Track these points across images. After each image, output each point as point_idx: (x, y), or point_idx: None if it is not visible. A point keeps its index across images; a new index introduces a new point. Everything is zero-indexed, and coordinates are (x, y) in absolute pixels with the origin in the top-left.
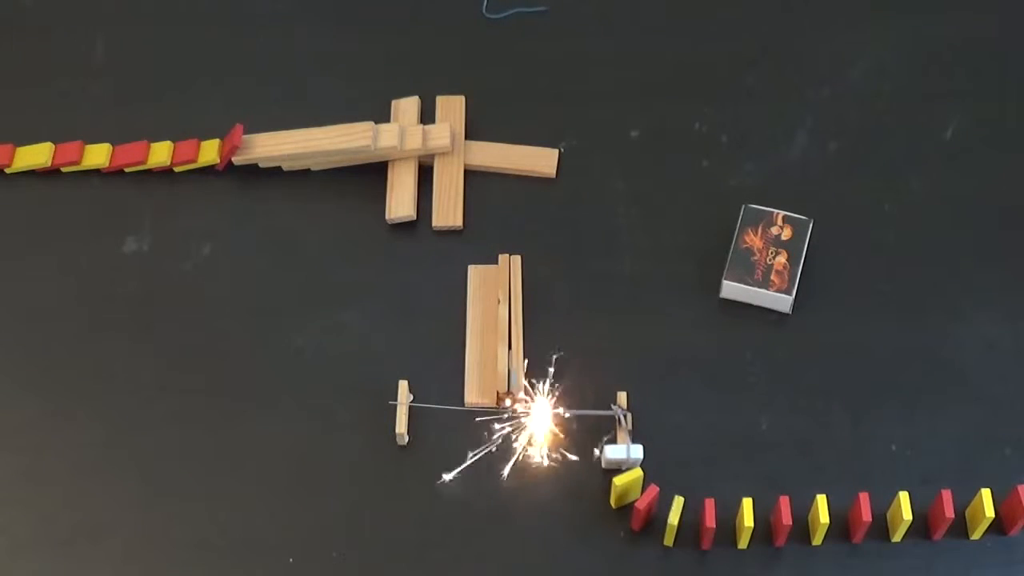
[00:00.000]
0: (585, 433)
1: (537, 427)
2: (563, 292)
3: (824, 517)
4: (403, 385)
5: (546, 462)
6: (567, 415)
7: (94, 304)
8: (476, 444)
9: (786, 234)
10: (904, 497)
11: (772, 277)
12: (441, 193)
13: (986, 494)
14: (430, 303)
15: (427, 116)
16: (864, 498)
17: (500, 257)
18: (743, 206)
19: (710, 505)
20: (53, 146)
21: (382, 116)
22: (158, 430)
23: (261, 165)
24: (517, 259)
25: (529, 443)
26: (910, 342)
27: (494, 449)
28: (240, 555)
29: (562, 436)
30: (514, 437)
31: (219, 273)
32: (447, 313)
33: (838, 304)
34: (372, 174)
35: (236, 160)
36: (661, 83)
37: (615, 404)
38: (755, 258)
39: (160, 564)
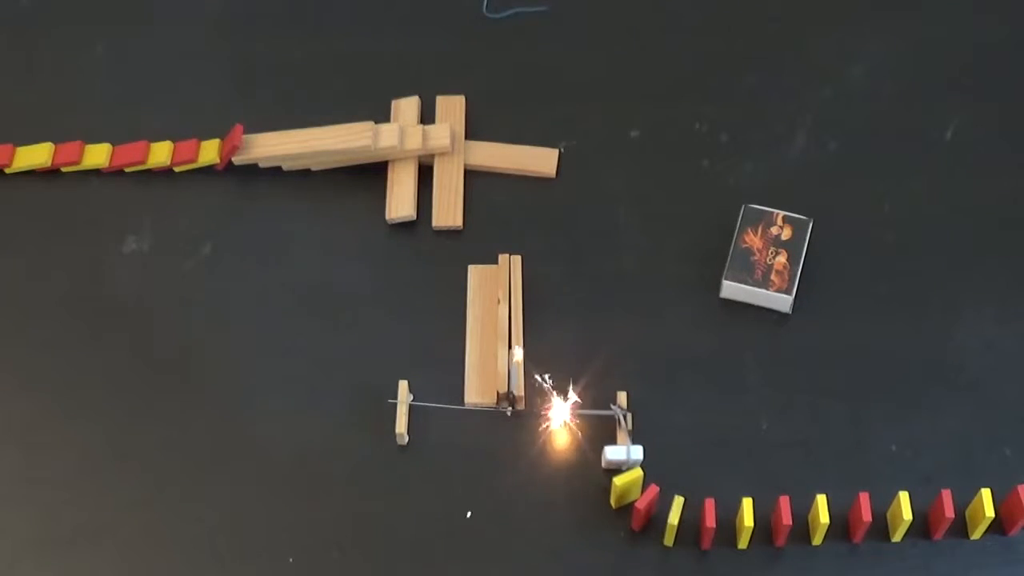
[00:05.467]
0: (585, 433)
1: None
2: (563, 292)
3: (824, 517)
4: (403, 385)
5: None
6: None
7: (94, 304)
8: (476, 444)
9: (786, 234)
10: (904, 497)
11: (772, 277)
12: (441, 193)
13: (986, 494)
14: (430, 303)
15: (427, 116)
16: (864, 498)
17: (500, 257)
18: (743, 206)
19: (710, 505)
20: (53, 146)
21: (382, 116)
22: (158, 430)
23: (261, 165)
24: (517, 259)
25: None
26: (910, 342)
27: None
28: (240, 555)
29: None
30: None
31: (219, 273)
32: (447, 313)
33: (838, 304)
34: (372, 174)
35: (236, 160)
36: (661, 83)
37: (615, 404)
38: (755, 258)
39: (160, 564)
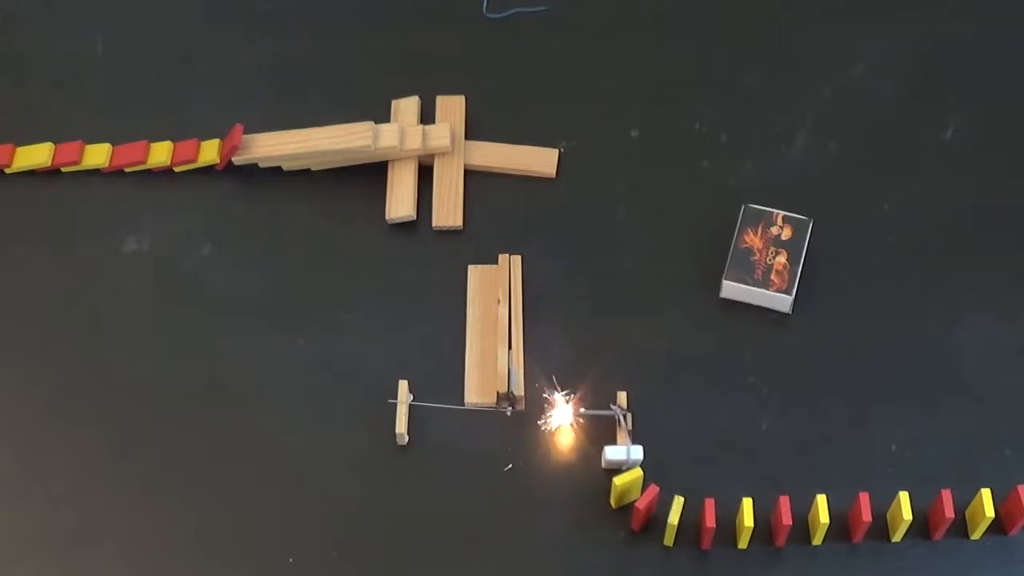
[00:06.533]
0: (585, 433)
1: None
2: (563, 292)
3: (824, 517)
4: (403, 385)
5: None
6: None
7: (94, 304)
8: (476, 444)
9: (786, 234)
10: (904, 497)
11: (772, 277)
12: (441, 193)
13: (986, 494)
14: (430, 303)
15: (427, 116)
16: (864, 498)
17: (500, 257)
18: (743, 206)
19: (710, 505)
20: (53, 146)
21: (382, 116)
22: (158, 430)
23: (261, 165)
24: (517, 259)
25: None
26: (910, 342)
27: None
28: (240, 555)
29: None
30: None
31: (219, 273)
32: (447, 313)
33: (838, 304)
34: (372, 174)
35: (236, 160)
36: (661, 83)
37: (615, 404)
38: (755, 258)
39: (160, 564)
